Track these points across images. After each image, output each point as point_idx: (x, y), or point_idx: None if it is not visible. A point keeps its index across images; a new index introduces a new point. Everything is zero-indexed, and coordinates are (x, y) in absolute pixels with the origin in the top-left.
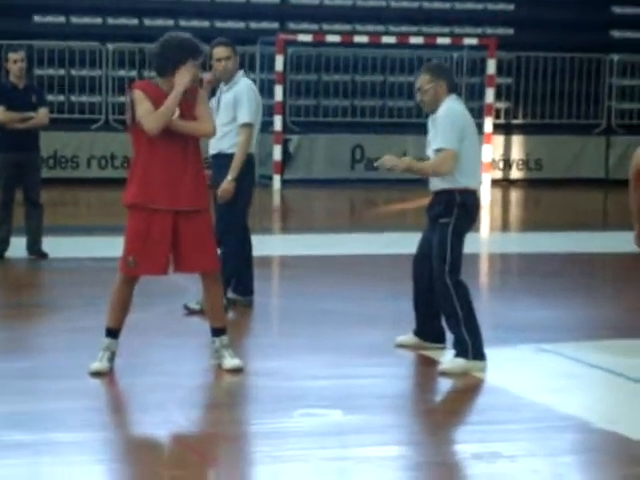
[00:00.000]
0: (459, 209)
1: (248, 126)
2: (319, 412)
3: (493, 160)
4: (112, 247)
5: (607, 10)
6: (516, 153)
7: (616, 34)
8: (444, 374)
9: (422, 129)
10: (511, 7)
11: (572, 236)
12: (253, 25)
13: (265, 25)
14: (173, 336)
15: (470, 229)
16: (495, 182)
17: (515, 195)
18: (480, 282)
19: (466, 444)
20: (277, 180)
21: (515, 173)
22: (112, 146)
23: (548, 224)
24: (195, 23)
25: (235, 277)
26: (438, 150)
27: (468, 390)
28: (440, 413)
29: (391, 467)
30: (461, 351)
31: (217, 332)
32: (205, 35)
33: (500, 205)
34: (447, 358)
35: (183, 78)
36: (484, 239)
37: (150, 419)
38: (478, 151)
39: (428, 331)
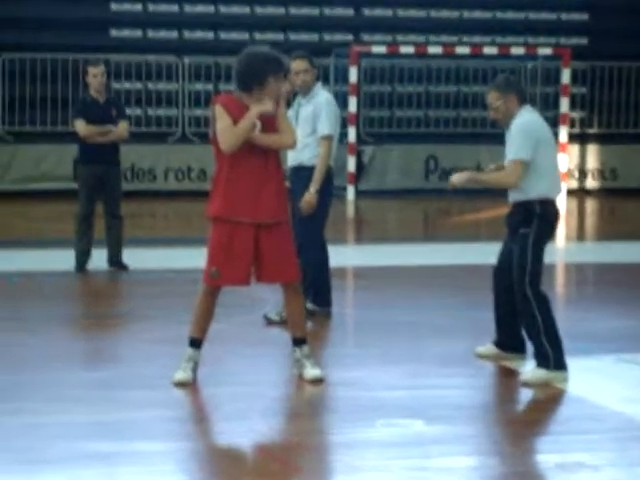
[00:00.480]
0: (539, 219)
1: (329, 138)
2: (400, 422)
3: (568, 170)
4: (191, 259)
5: None
6: (591, 163)
7: None
8: (526, 385)
9: (496, 139)
10: (585, 17)
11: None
12: (327, 37)
13: (339, 37)
14: (253, 346)
15: (550, 239)
16: (571, 192)
17: (590, 205)
18: (557, 292)
19: (549, 454)
20: (351, 191)
21: (590, 183)
22: (188, 159)
23: (623, 234)
24: (270, 36)
25: (313, 288)
26: (512, 160)
27: (549, 400)
28: (521, 423)
29: (474, 477)
30: (542, 362)
31: (298, 342)
32: (279, 47)
33: (576, 215)
34: (528, 369)
35: (263, 107)
36: (560, 249)
37: (233, 429)
38: (556, 160)
39: (508, 342)
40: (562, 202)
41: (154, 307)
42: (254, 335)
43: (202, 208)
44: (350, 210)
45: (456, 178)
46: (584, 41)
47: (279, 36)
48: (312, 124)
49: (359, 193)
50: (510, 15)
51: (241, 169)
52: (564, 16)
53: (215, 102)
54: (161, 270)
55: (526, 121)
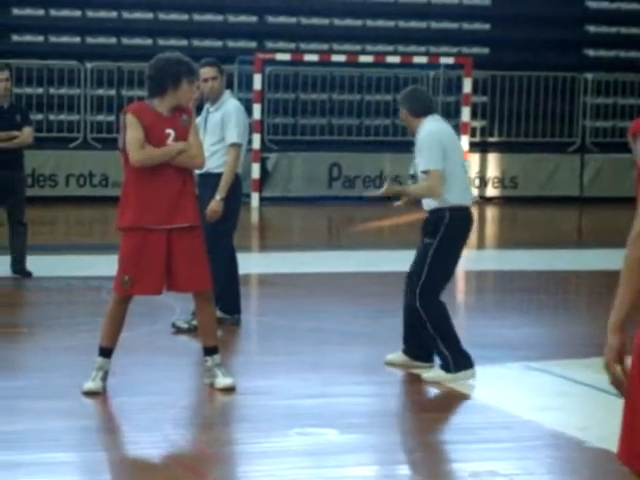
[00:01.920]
0: (446, 228)
1: (237, 146)
2: (314, 431)
3: (469, 178)
4: (95, 266)
5: (581, 29)
6: (492, 171)
7: (590, 53)
8: (426, 382)
9: (399, 147)
10: (487, 26)
11: (548, 253)
12: (231, 44)
13: (243, 44)
14: (163, 355)
15: (461, 247)
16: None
17: (491, 213)
18: (460, 300)
19: (462, 463)
20: (255, 198)
21: (491, 191)
22: (90, 164)
23: (524, 242)
24: (173, 42)
25: (222, 296)
26: (425, 172)
27: (460, 409)
28: (434, 432)
29: None
30: (443, 366)
31: (210, 351)
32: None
33: (476, 223)
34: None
35: (186, 147)
36: (461, 257)
37: (146, 439)
38: (463, 167)
39: (416, 350)
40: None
41: (60, 315)
42: (163, 344)
43: (104, 214)
44: (254, 217)
45: (387, 189)
46: (485, 51)
47: (182, 42)
48: (220, 132)
49: (263, 200)
50: (413, 24)
51: (152, 176)
52: (466, 26)
53: (126, 111)
54: (65, 277)
55: (429, 132)
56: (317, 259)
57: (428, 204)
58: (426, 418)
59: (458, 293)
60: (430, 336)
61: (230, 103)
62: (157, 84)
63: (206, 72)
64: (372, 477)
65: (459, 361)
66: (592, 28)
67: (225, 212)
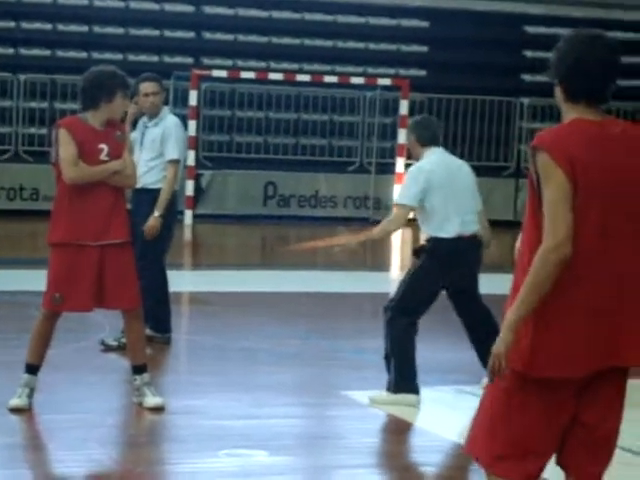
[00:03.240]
0: (427, 255)
1: (176, 162)
2: (244, 452)
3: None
4: (23, 281)
5: (518, 54)
6: None
7: (527, 78)
8: (371, 402)
9: (334, 167)
10: (424, 49)
11: (483, 277)
12: (167, 59)
13: (179, 59)
14: (91, 373)
15: (445, 277)
16: (408, 221)
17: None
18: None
19: None
20: (189, 215)
21: None
22: (21, 178)
23: None
24: (108, 55)
25: (152, 314)
26: (395, 204)
27: (394, 431)
28: (366, 455)
29: None
30: (389, 384)
31: (138, 369)
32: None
33: (410, 245)
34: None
35: (122, 166)
36: (394, 279)
37: (72, 457)
38: (450, 202)
39: None
40: (397, 232)
41: None
42: (91, 361)
43: (34, 228)
44: (187, 234)
45: (344, 245)
46: (423, 73)
47: (118, 56)
48: (159, 147)
49: (197, 217)
50: (350, 44)
51: (85, 192)
52: (404, 47)
53: (59, 125)
54: None
55: (419, 166)
56: (250, 278)
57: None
58: (360, 441)
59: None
60: (387, 352)
61: (169, 119)
62: (90, 97)
63: (147, 87)
64: None
65: (402, 384)
66: (529, 53)
67: (160, 229)
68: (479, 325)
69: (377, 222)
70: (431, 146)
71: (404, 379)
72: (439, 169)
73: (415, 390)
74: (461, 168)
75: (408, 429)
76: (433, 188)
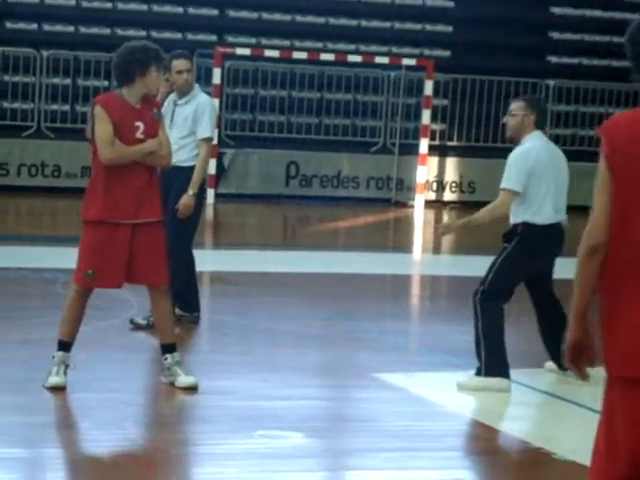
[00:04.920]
0: (518, 240)
1: (210, 140)
2: (278, 434)
3: (427, 181)
4: (47, 258)
5: (545, 35)
6: (450, 175)
7: (553, 59)
8: (459, 388)
9: (357, 147)
10: (449, 29)
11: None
12: (190, 37)
13: (203, 37)
14: (121, 351)
15: (534, 263)
16: (429, 203)
17: (448, 217)
18: (420, 305)
19: (429, 470)
20: (211, 194)
21: (448, 195)
22: (43, 154)
23: (477, 247)
24: (132, 32)
25: (181, 293)
26: (501, 189)
27: (425, 415)
28: (400, 438)
29: None
30: (478, 369)
31: (168, 348)
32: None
33: (433, 227)
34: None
35: (154, 145)
36: (415, 261)
37: (106, 437)
38: (548, 189)
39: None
40: (419, 213)
41: (14, 308)
42: (120, 339)
43: (55, 205)
44: (209, 214)
45: (447, 229)
46: (447, 53)
47: (141, 33)
48: (191, 125)
49: (219, 196)
50: (375, 24)
51: (121, 171)
52: (428, 27)
53: (96, 102)
54: (17, 269)
55: (526, 150)
56: (272, 258)
57: (511, 217)
58: (390, 424)
59: (415, 298)
60: (476, 335)
61: (202, 97)
62: (125, 72)
63: (180, 64)
64: None
65: (494, 368)
66: (556, 34)
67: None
68: (549, 313)
69: (399, 203)
70: (538, 130)
71: (496, 363)
72: (544, 154)
73: (507, 374)
74: (560, 155)
75: (441, 412)
76: (537, 174)
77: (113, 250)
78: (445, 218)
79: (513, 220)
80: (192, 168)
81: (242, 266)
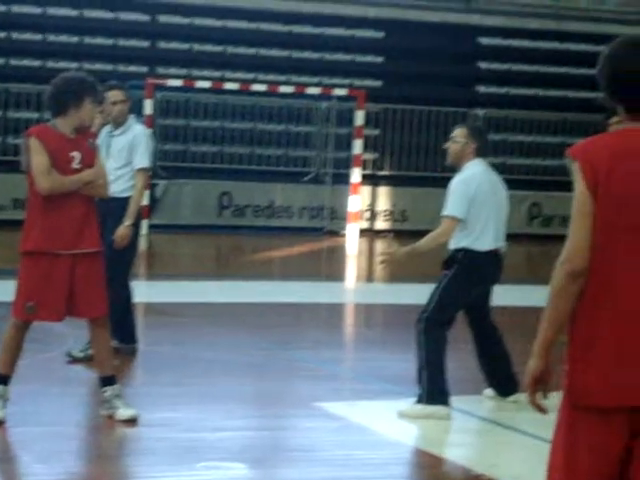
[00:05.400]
0: (460, 266)
1: (146, 171)
2: (220, 465)
3: (360, 211)
4: None
5: (474, 65)
6: (382, 204)
7: (481, 89)
8: (402, 416)
9: (290, 177)
10: (380, 59)
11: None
12: (122, 68)
13: (134, 69)
14: (59, 384)
15: (475, 288)
16: (362, 232)
17: (381, 246)
18: (355, 333)
19: None
20: (144, 225)
21: (381, 224)
22: None
23: (411, 275)
24: (63, 64)
25: (119, 325)
26: (444, 216)
27: (367, 444)
28: (344, 467)
29: None
30: (420, 396)
31: (108, 381)
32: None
33: (366, 256)
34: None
35: (91, 175)
36: (349, 289)
37: (47, 470)
38: (489, 215)
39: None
40: (353, 243)
41: None
42: (57, 373)
43: None
44: (143, 245)
45: (395, 256)
46: (378, 83)
47: (72, 65)
48: (127, 156)
49: (152, 227)
50: (306, 55)
51: (58, 201)
52: (359, 58)
53: (29, 134)
54: None
55: (467, 177)
56: (207, 288)
57: (450, 243)
58: (332, 453)
59: (351, 327)
60: (419, 363)
61: (138, 128)
62: (59, 103)
63: (115, 95)
64: None
65: (435, 395)
66: (484, 64)
67: (130, 239)
68: (487, 340)
69: (332, 232)
70: (480, 157)
71: (437, 391)
72: (485, 182)
73: (448, 402)
74: (500, 183)
75: (383, 440)
76: (478, 201)
77: (53, 282)
78: (379, 247)
79: (454, 246)
80: (128, 199)
81: (177, 297)
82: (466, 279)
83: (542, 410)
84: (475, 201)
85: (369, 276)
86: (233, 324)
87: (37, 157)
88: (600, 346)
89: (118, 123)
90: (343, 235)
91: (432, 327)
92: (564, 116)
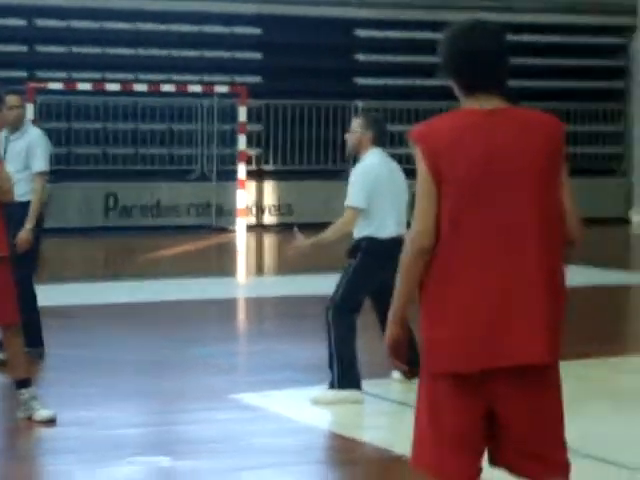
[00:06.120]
0: (364, 254)
1: (44, 174)
2: (147, 460)
3: (247, 206)
4: None
5: (351, 57)
6: (268, 199)
7: (360, 81)
8: (315, 402)
9: (175, 176)
10: (258, 55)
11: (320, 277)
12: (1, 74)
13: (13, 74)
14: None
15: (380, 275)
16: (250, 227)
17: (269, 240)
18: (256, 325)
19: None
20: None
21: (268, 218)
22: None
23: (301, 267)
24: None
25: (25, 329)
26: (346, 207)
27: (288, 431)
28: (268, 454)
29: None
30: (331, 383)
31: (23, 383)
32: None
33: (254, 250)
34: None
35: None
36: (240, 284)
37: None
38: (389, 202)
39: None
40: (242, 238)
41: None
42: None
43: None
44: None
45: (297, 249)
46: (258, 79)
47: None
48: (25, 160)
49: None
50: (185, 53)
51: None
52: (238, 54)
53: None
54: None
55: (366, 167)
56: (99, 290)
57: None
58: (254, 441)
59: (251, 320)
60: (329, 350)
61: (34, 131)
62: None
63: (13, 100)
64: None
65: (346, 380)
66: (361, 56)
67: (32, 242)
68: None
69: (220, 229)
70: (377, 146)
71: (349, 376)
72: (383, 170)
73: (359, 386)
74: (398, 170)
75: (301, 427)
76: (378, 189)
77: None
78: (267, 241)
79: (357, 235)
80: (28, 202)
81: (72, 299)
82: (371, 266)
83: (406, 372)
84: (375, 190)
85: (257, 270)
86: (132, 324)
87: None
88: (450, 317)
89: (16, 127)
90: (232, 231)
91: (341, 314)
92: (440, 105)
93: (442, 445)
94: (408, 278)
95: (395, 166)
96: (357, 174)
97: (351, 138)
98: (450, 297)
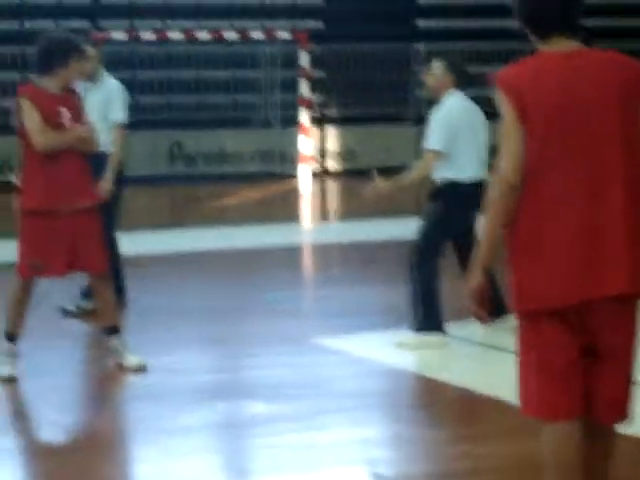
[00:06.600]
0: (445, 197)
1: (123, 125)
2: (230, 404)
3: (311, 152)
4: None
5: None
6: (331, 145)
7: (421, 23)
8: (400, 346)
9: (238, 124)
10: (319, 1)
11: (387, 223)
12: (64, 24)
13: (77, 24)
14: (59, 338)
15: (462, 218)
16: (314, 174)
17: (332, 186)
18: (329, 272)
19: (398, 424)
20: None
21: (331, 164)
22: None
23: (364, 213)
24: (5, 26)
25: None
26: (426, 151)
27: (375, 374)
28: (359, 397)
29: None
30: (415, 326)
31: (113, 331)
32: (15, 35)
33: (319, 196)
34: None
35: (86, 131)
36: (306, 230)
37: (65, 419)
38: (471, 146)
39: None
40: (306, 184)
41: None
42: (54, 327)
43: None
44: None
45: (376, 192)
46: (320, 24)
47: (13, 25)
48: (103, 111)
49: None
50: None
51: (55, 158)
52: (300, 0)
53: (20, 94)
54: None
55: (446, 110)
56: (164, 238)
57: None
58: (321, 386)
59: (324, 266)
60: (412, 294)
61: (112, 82)
62: (45, 63)
63: (89, 51)
64: (318, 444)
65: (430, 324)
66: None
67: (114, 192)
68: None
69: (284, 176)
70: (457, 89)
71: (433, 319)
72: (464, 113)
73: (442, 329)
74: (478, 113)
75: (389, 370)
76: (459, 133)
77: (57, 238)
78: (330, 187)
79: (439, 178)
80: (106, 152)
81: (138, 248)
82: (454, 210)
83: (484, 320)
84: (455, 133)
85: (322, 216)
86: (199, 271)
87: (30, 117)
88: (546, 252)
89: (93, 79)
90: (295, 177)
91: (424, 257)
92: (503, 45)
93: (552, 382)
94: (496, 216)
95: (476, 108)
96: (437, 117)
97: (431, 80)
98: (547, 233)
